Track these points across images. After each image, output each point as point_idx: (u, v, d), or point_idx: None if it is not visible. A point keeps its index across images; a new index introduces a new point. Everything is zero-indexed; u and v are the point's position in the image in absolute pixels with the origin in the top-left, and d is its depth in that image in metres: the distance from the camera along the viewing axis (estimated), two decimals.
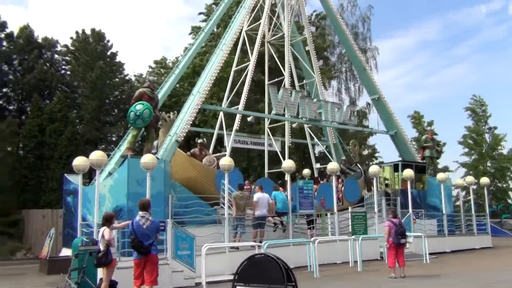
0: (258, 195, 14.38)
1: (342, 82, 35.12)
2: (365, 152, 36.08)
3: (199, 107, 15.80)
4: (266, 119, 22.92)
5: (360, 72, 22.59)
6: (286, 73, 21.83)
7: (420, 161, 22.74)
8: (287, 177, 15.27)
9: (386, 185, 21.86)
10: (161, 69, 34.82)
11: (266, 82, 23.65)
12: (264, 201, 14.39)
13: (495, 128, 38.59)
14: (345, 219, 16.69)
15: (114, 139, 30.78)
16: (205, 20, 31.78)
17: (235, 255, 12.19)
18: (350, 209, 17.48)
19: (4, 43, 29.10)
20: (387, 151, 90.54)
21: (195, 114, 15.64)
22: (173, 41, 79.27)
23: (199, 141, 17.39)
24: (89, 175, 23.41)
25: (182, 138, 15.08)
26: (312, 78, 23.70)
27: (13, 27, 35.96)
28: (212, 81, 16.51)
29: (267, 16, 22.06)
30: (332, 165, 16.59)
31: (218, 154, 20.66)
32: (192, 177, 15.60)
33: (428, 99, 79.71)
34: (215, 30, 28.61)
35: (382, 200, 18.64)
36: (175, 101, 30.86)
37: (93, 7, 75.42)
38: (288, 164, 15.13)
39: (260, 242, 13.77)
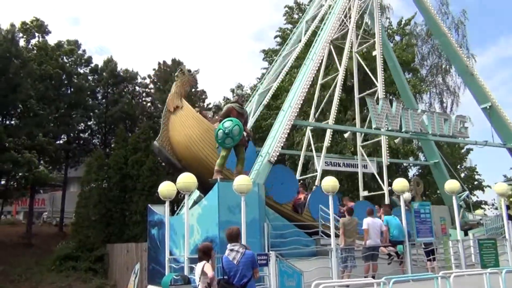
0: (368, 221, 12.17)
1: (435, 96, 31.90)
2: (462, 175, 32.09)
3: (292, 122, 14.02)
4: (358, 136, 20.67)
5: (466, 78, 19.73)
6: (379, 83, 19.60)
7: None
8: (401, 200, 12.90)
9: (508, 207, 18.67)
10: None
11: (356, 96, 21.52)
12: (376, 228, 12.16)
13: None
14: (469, 247, 14.04)
15: None
16: (281, 44, 30.70)
17: None
18: (471, 236, 14.72)
19: (89, 77, 29.71)
20: (486, 171, 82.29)
21: (287, 131, 13.86)
22: (248, 71, 79.80)
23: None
24: (172, 207, 22.60)
25: (275, 158, 13.32)
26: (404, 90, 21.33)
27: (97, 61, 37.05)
28: (304, 94, 14.74)
29: (354, 23, 20.16)
30: (452, 184, 13.96)
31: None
32: (192, 136, 13.22)
33: None
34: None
35: (506, 225, 15.50)
36: (256, 125, 29.67)
37: (169, 39, 78.17)
38: (400, 183, 12.80)
39: (373, 277, 11.64)
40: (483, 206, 33.34)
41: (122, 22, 76.83)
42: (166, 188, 10.78)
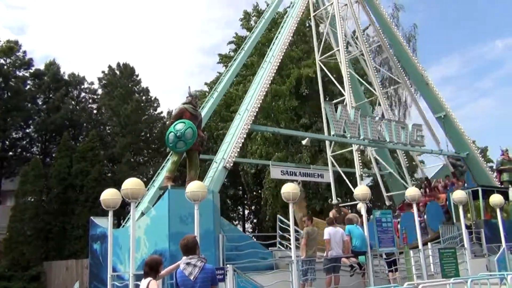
0: (330, 231, 11.45)
1: (387, 108, 32.12)
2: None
3: (248, 127, 13.20)
4: (328, 146, 20.25)
5: (422, 87, 19.77)
6: (346, 92, 19.29)
7: (500, 186, 19.44)
8: (362, 208, 12.33)
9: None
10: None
11: (323, 105, 21.11)
12: (338, 238, 11.46)
13: None
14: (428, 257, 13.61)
15: (145, 180, 28.57)
16: (234, 50, 30.04)
17: None
18: (430, 246, 14.40)
19: (29, 82, 27.61)
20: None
21: (244, 136, 13.04)
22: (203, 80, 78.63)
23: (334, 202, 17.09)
24: (118, 221, 21.10)
25: (232, 164, 12.41)
26: (364, 98, 21.09)
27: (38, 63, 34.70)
28: (262, 98, 13.99)
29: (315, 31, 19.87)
30: (412, 191, 13.55)
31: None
32: None
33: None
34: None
35: (465, 234, 15.36)
36: (208, 136, 28.71)
37: (120, 42, 75.71)
38: (362, 190, 12.23)
39: None
40: None
41: (70, 29, 73.72)
42: (109, 196, 9.60)
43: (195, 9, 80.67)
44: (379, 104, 21.56)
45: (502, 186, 19.84)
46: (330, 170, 17.76)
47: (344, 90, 19.01)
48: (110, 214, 9.80)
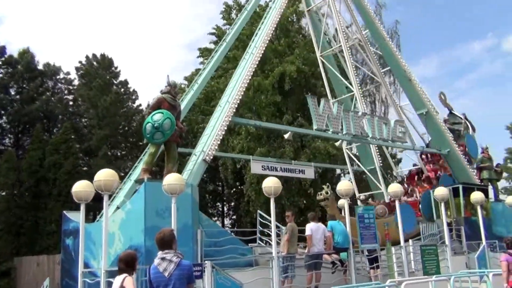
0: (311, 226, 11.13)
1: (367, 106, 32.11)
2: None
3: (230, 119, 12.78)
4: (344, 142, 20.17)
5: (404, 83, 19.58)
6: (354, 86, 19.21)
7: (480, 184, 19.48)
8: (345, 204, 12.08)
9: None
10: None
11: (331, 100, 20.89)
12: (320, 234, 11.16)
13: None
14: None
15: (122, 174, 27.86)
16: (214, 42, 29.51)
17: None
18: (411, 242, 14.25)
19: (1, 70, 26.53)
20: None
21: (225, 128, 12.60)
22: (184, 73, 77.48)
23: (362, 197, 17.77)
24: (94, 216, 20.43)
25: (211, 157, 11.99)
26: (346, 93, 20.89)
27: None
28: (244, 90, 13.57)
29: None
30: (395, 187, 13.35)
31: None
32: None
33: None
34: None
35: (445, 230, 15.29)
36: (188, 130, 28.13)
37: (97, 32, 74.04)
38: (344, 185, 11.95)
39: (316, 287, 10.67)
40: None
41: (48, 18, 71.72)
42: (81, 188, 9.09)
43: (178, 6, 79.53)
44: (356, 100, 21.45)
45: (482, 183, 19.92)
46: (312, 166, 17.51)
47: (327, 86, 18.83)
48: (82, 207, 9.29)
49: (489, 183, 20.32)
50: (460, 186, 18.05)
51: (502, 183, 36.20)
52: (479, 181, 20.00)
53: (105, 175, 8.33)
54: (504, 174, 35.66)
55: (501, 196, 21.95)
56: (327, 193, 14.71)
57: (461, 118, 21.51)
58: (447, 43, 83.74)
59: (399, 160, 32.12)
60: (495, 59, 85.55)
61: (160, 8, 78.97)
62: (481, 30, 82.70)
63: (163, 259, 5.01)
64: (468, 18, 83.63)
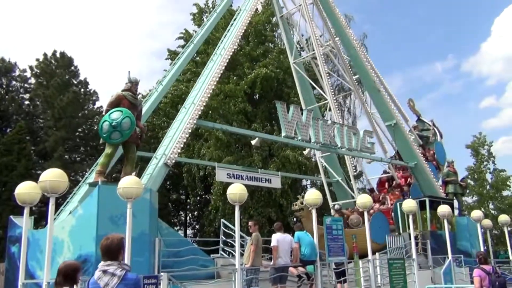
0: (278, 237, 10.53)
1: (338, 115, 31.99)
2: None
3: (195, 121, 12.08)
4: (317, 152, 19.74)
5: (373, 94, 19.41)
6: (327, 93, 18.86)
7: (446, 197, 19.46)
8: (313, 214, 11.54)
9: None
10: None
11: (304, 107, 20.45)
12: (286, 245, 10.57)
13: (502, 170, 36.15)
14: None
15: (80, 179, 26.46)
16: (183, 46, 28.75)
17: None
18: (378, 256, 13.88)
19: None
20: None
21: (189, 131, 11.88)
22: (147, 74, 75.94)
23: (336, 207, 17.28)
24: (46, 220, 19.08)
25: (174, 161, 11.23)
26: (317, 103, 20.61)
27: None
28: (210, 91, 12.90)
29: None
30: (363, 199, 12.95)
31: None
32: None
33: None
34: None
35: (412, 244, 15.01)
36: (152, 135, 27.09)
37: (57, 29, 71.41)
38: (312, 195, 11.42)
39: None
40: None
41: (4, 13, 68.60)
42: (25, 190, 8.18)
43: (146, 12, 77.91)
44: (330, 110, 21.10)
45: (447, 197, 19.92)
46: (279, 175, 16.98)
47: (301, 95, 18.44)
48: (26, 211, 8.39)
49: (454, 197, 20.37)
50: (427, 199, 17.94)
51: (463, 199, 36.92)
52: (444, 194, 20.00)
53: (51, 175, 7.44)
54: None
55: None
56: (302, 203, 14.29)
57: (429, 125, 21.70)
58: (410, 62, 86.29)
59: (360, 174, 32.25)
60: (455, 79, 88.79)
61: (129, 15, 77.42)
62: (441, 52, 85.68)
63: (104, 272, 4.22)
64: (430, 40, 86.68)
